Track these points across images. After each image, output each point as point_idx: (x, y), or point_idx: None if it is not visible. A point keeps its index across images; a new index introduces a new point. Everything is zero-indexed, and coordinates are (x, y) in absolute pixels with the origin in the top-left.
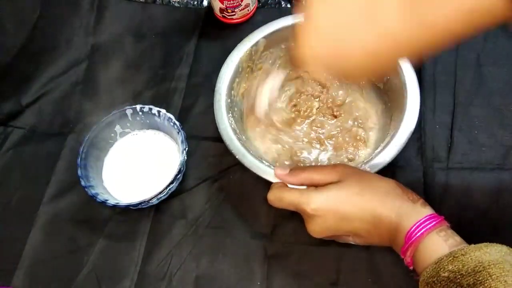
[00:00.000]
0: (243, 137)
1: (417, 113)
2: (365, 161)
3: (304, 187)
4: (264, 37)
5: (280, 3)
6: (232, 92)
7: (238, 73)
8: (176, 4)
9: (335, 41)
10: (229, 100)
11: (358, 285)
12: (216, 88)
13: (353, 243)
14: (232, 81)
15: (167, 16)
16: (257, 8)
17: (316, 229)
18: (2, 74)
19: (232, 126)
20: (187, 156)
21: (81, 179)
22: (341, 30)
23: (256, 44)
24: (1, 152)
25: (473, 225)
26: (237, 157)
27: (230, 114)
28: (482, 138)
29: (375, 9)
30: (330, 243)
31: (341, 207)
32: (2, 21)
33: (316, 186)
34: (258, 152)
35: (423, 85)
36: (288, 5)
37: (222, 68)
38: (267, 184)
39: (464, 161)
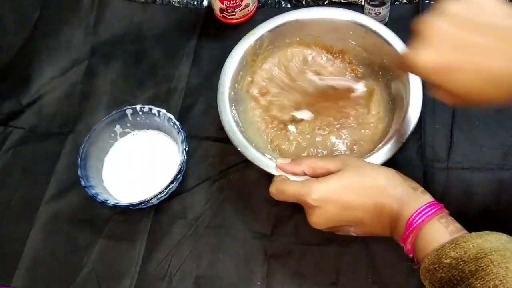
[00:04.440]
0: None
1: (419, 113)
2: (364, 158)
3: (306, 177)
4: (269, 31)
5: (280, 3)
6: (236, 85)
7: (242, 66)
8: (176, 4)
9: (462, 54)
10: (232, 93)
11: (358, 285)
12: (220, 81)
13: (354, 234)
14: (236, 74)
15: (167, 16)
16: (257, 8)
17: (318, 220)
18: (2, 74)
19: (235, 118)
20: (187, 156)
21: (81, 179)
22: (472, 45)
23: (261, 38)
24: (1, 152)
25: (473, 225)
26: (239, 149)
27: (233, 107)
28: (482, 138)
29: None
30: (330, 243)
31: (343, 196)
32: (2, 21)
33: (317, 177)
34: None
35: (423, 84)
36: (288, 5)
37: (226, 61)
38: (268, 184)
39: (464, 161)
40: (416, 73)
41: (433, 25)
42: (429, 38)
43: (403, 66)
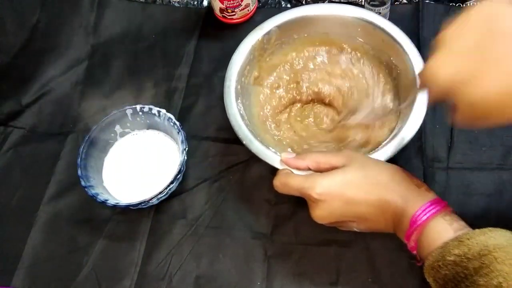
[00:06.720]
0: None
1: (423, 114)
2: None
3: (310, 172)
4: (277, 27)
5: (280, 3)
6: (243, 79)
7: (249, 60)
8: (176, 4)
9: (485, 61)
10: (239, 87)
11: (358, 285)
12: (227, 75)
13: (357, 230)
14: (243, 68)
15: (167, 16)
16: (257, 8)
17: (321, 214)
18: (2, 74)
19: (241, 112)
20: (187, 156)
21: (81, 179)
22: (495, 53)
23: (269, 33)
24: (1, 152)
25: (473, 225)
26: (244, 142)
27: (240, 101)
28: (482, 138)
29: None
30: (330, 243)
31: (346, 191)
32: (2, 21)
33: (321, 171)
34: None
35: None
36: (288, 5)
37: (233, 55)
38: (268, 184)
39: (464, 161)
40: (436, 85)
41: (453, 34)
42: (449, 47)
43: (423, 80)
